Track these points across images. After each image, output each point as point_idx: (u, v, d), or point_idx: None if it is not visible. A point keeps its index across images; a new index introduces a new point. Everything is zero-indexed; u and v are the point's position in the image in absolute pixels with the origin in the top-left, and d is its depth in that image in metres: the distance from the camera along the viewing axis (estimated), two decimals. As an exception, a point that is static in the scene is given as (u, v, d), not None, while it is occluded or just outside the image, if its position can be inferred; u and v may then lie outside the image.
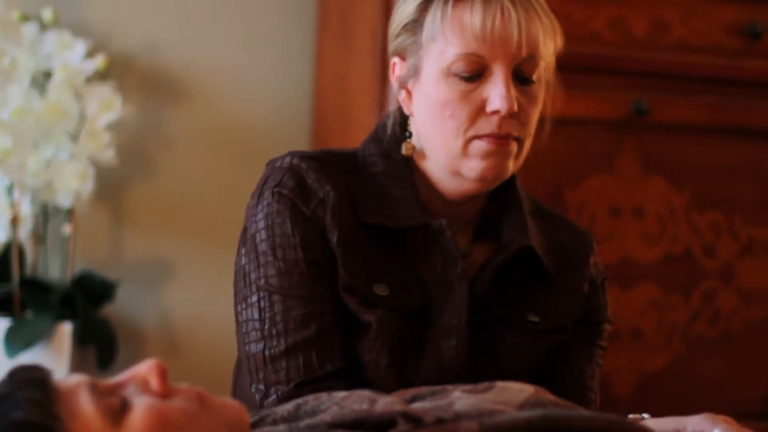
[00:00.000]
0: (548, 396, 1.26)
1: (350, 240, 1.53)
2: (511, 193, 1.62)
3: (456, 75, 1.51)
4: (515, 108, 1.49)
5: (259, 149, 2.98)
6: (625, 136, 2.64)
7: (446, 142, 1.53)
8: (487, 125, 1.51)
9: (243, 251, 1.58)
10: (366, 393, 1.21)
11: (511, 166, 1.54)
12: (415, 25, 1.54)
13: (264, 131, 2.99)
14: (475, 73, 1.50)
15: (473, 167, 1.52)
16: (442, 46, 1.51)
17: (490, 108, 1.50)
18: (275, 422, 1.22)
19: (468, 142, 1.52)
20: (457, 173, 1.54)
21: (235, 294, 1.58)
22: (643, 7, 2.62)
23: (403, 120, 1.61)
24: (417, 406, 1.22)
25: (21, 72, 2.63)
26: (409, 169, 1.58)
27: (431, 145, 1.56)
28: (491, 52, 1.49)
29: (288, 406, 1.24)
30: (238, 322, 1.57)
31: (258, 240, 1.55)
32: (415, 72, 1.55)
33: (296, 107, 3.01)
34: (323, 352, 1.50)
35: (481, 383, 1.28)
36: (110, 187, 2.87)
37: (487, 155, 1.51)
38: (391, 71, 1.61)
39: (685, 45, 2.64)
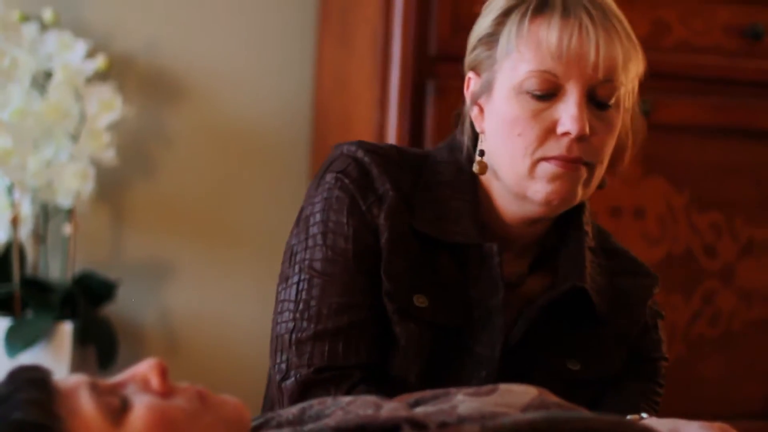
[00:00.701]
0: (552, 398, 1.26)
1: (399, 244, 1.50)
2: (574, 224, 1.57)
3: (528, 93, 1.46)
4: (586, 131, 1.44)
5: (260, 149, 2.98)
6: (625, 136, 2.63)
7: (514, 161, 1.48)
8: (557, 147, 1.45)
9: (295, 231, 1.55)
10: (371, 398, 1.21)
11: (580, 192, 1.48)
12: (491, 39, 1.50)
13: (264, 131, 2.99)
14: (547, 92, 1.45)
15: (539, 190, 1.47)
16: (515, 62, 1.47)
17: (560, 129, 1.45)
18: (280, 425, 1.22)
19: (536, 163, 1.47)
20: (522, 196, 1.49)
21: (280, 273, 1.56)
22: (643, 7, 2.62)
23: (474, 137, 1.56)
24: (420, 410, 1.21)
25: (21, 72, 2.63)
26: (474, 185, 1.53)
27: (499, 164, 1.50)
28: (566, 72, 1.44)
29: (293, 410, 1.23)
30: (276, 302, 1.55)
31: (311, 222, 1.52)
32: (488, 88, 1.51)
33: (297, 107, 3.01)
34: (350, 343, 1.48)
35: (485, 386, 1.28)
36: (110, 187, 2.87)
37: (554, 178, 1.46)
38: (465, 87, 1.55)
39: (686, 45, 2.64)
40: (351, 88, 2.80)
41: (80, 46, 2.68)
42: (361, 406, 1.19)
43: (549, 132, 1.46)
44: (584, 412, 1.26)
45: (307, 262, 1.51)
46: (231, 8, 2.97)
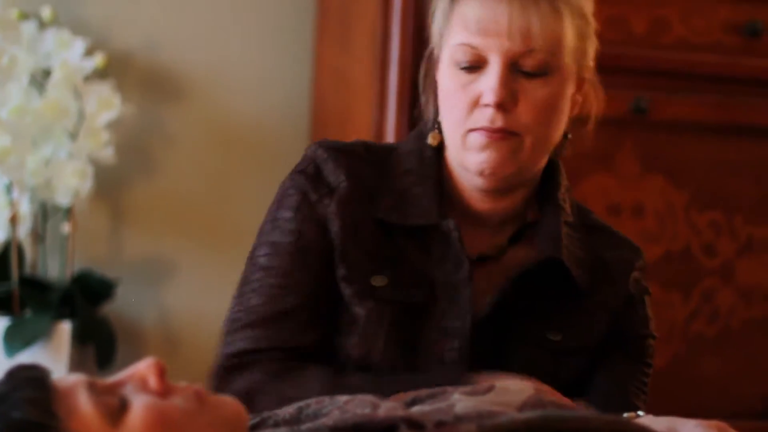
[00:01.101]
0: (548, 396, 1.26)
1: (355, 232, 1.53)
2: (550, 199, 1.59)
3: (457, 65, 1.51)
4: (502, 100, 1.47)
5: (258, 147, 2.98)
6: (624, 134, 2.63)
7: (451, 133, 1.53)
8: (481, 118, 1.49)
9: None
10: (368, 397, 1.21)
11: (514, 162, 1.50)
12: (435, 15, 1.56)
13: (263, 129, 2.99)
14: (472, 65, 1.49)
15: (472, 160, 1.51)
16: (448, 37, 1.52)
17: (482, 100, 1.49)
18: (276, 425, 1.22)
19: (466, 134, 1.51)
20: (463, 167, 1.53)
21: None
22: (642, 5, 2.62)
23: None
24: (417, 409, 1.21)
25: (20, 70, 2.63)
26: (438, 167, 1.57)
27: (445, 136, 1.56)
28: (485, 44, 1.48)
29: (289, 409, 1.24)
30: None
31: (264, 221, 1.58)
32: (437, 62, 1.56)
33: (295, 106, 3.01)
34: (277, 328, 1.51)
35: (481, 384, 1.28)
36: (109, 185, 2.87)
37: (482, 148, 1.50)
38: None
39: (685, 43, 2.64)
40: (350, 86, 2.80)
41: (79, 44, 2.68)
42: (359, 405, 1.19)
43: (475, 103, 1.50)
44: (580, 411, 1.26)
45: (253, 259, 1.57)
46: (230, 6, 2.97)
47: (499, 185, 1.53)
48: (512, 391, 1.26)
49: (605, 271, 1.60)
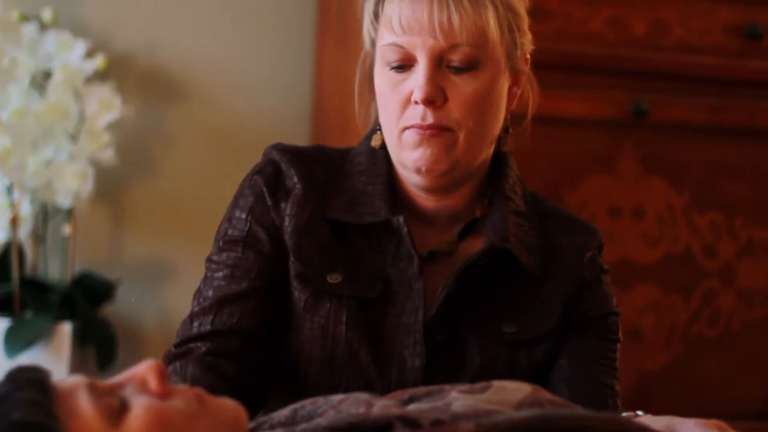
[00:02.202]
0: (546, 395, 1.26)
1: (309, 232, 1.54)
2: (498, 193, 1.59)
3: (388, 65, 1.52)
4: (430, 97, 1.48)
5: (259, 149, 2.96)
6: (624, 136, 2.64)
7: (388, 133, 1.55)
8: (413, 116, 1.50)
9: None
10: (362, 396, 1.21)
11: (449, 157, 1.51)
12: (364, 18, 1.58)
13: (263, 131, 2.99)
14: (402, 64, 1.51)
15: (408, 158, 1.52)
16: (377, 38, 1.54)
17: (413, 98, 1.50)
18: (272, 427, 1.22)
19: (401, 132, 1.52)
20: (402, 165, 1.54)
21: None
22: (642, 7, 2.62)
23: None
24: (413, 407, 1.21)
25: (20, 72, 2.63)
26: (389, 166, 1.58)
27: (384, 136, 1.57)
28: (411, 42, 1.49)
29: (285, 411, 1.23)
30: None
31: (222, 220, 1.60)
32: (373, 62, 1.58)
33: (296, 107, 3.01)
34: (219, 315, 1.53)
35: (478, 383, 1.28)
36: (110, 187, 2.88)
37: (416, 145, 1.50)
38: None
39: (685, 45, 2.65)
40: (350, 87, 2.79)
41: (79, 46, 2.68)
42: (353, 404, 1.19)
43: (407, 102, 1.51)
44: (578, 410, 1.25)
45: (208, 258, 1.59)
46: (230, 8, 2.97)
47: (439, 182, 1.54)
48: (509, 389, 1.25)
49: (557, 256, 1.60)
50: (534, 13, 2.54)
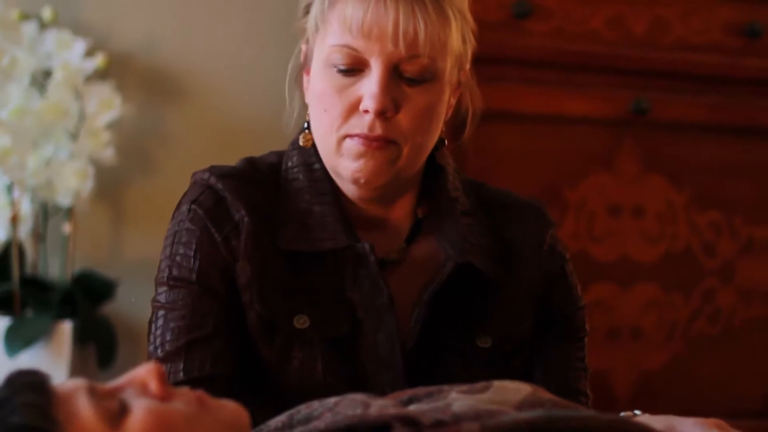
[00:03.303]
0: (546, 395, 1.26)
1: (266, 271, 1.45)
2: (442, 195, 1.52)
3: (334, 67, 1.42)
4: (384, 108, 1.39)
5: (259, 148, 2.97)
6: (624, 134, 2.64)
7: (324, 138, 1.45)
8: (359, 125, 1.41)
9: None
10: (359, 397, 1.20)
11: (390, 170, 1.43)
12: (309, 8, 1.48)
13: (263, 130, 2.99)
14: (352, 67, 1.41)
15: (346, 167, 1.43)
16: (324, 35, 1.43)
17: (362, 107, 1.40)
18: (269, 434, 1.22)
19: (341, 140, 1.43)
20: (337, 173, 1.46)
21: None
22: (642, 5, 2.62)
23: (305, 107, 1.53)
24: (414, 407, 1.21)
25: (20, 71, 2.63)
26: (329, 179, 1.49)
27: (316, 139, 1.48)
28: (367, 47, 1.39)
29: (281, 417, 1.23)
30: None
31: (161, 257, 1.50)
32: (309, 58, 1.48)
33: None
34: (187, 362, 1.43)
35: (478, 383, 1.27)
36: (110, 185, 2.87)
37: (358, 156, 1.42)
38: (301, 55, 1.53)
39: (685, 44, 2.64)
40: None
41: (79, 45, 2.68)
42: (349, 405, 1.18)
43: (353, 108, 1.42)
44: (581, 411, 1.25)
45: (154, 301, 1.49)
46: (230, 7, 2.97)
47: (374, 193, 1.47)
48: (510, 389, 1.25)
49: (514, 253, 1.53)
50: (533, 12, 2.55)
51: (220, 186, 1.49)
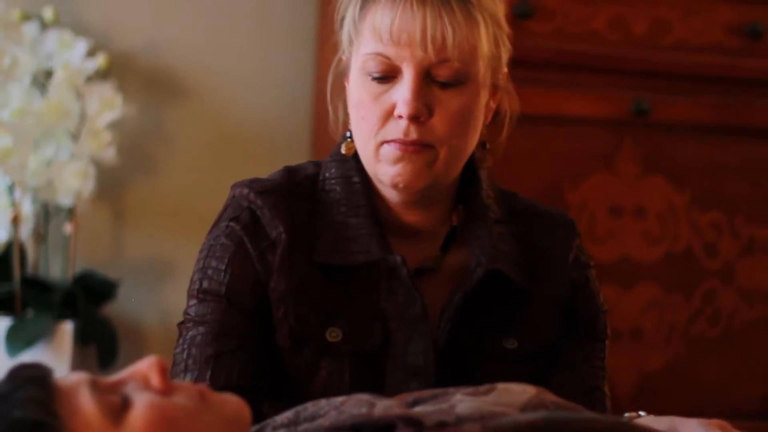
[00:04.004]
0: (550, 397, 1.26)
1: (301, 285, 1.48)
2: (475, 203, 1.54)
3: (369, 75, 1.45)
4: (416, 113, 1.42)
5: (260, 148, 2.98)
6: (625, 135, 2.64)
7: (363, 145, 1.48)
8: (395, 130, 1.44)
9: None
10: (364, 397, 1.20)
11: (428, 173, 1.46)
12: (343, 22, 1.51)
13: (265, 130, 2.99)
14: (385, 75, 1.44)
15: (386, 173, 1.46)
16: (359, 45, 1.47)
17: (396, 112, 1.44)
18: (275, 429, 1.22)
19: (379, 146, 1.46)
20: (378, 179, 1.49)
21: None
22: (643, 6, 2.62)
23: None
24: (419, 409, 1.21)
25: (22, 71, 2.63)
26: (366, 189, 1.51)
27: (357, 147, 1.51)
28: (398, 54, 1.43)
29: (288, 413, 1.23)
30: None
31: (194, 269, 1.53)
32: (348, 69, 1.51)
33: (297, 107, 3.01)
34: (215, 372, 1.46)
35: (482, 385, 1.27)
36: (111, 186, 2.88)
37: (396, 161, 1.45)
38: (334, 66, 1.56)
39: (686, 44, 2.64)
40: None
41: (80, 45, 2.68)
42: (355, 405, 1.18)
43: (388, 114, 1.45)
44: (584, 412, 1.25)
45: (186, 311, 1.51)
46: (231, 8, 2.97)
47: (415, 198, 1.49)
48: (514, 391, 1.25)
49: (544, 261, 1.56)
50: (535, 12, 2.55)
51: (259, 203, 1.51)
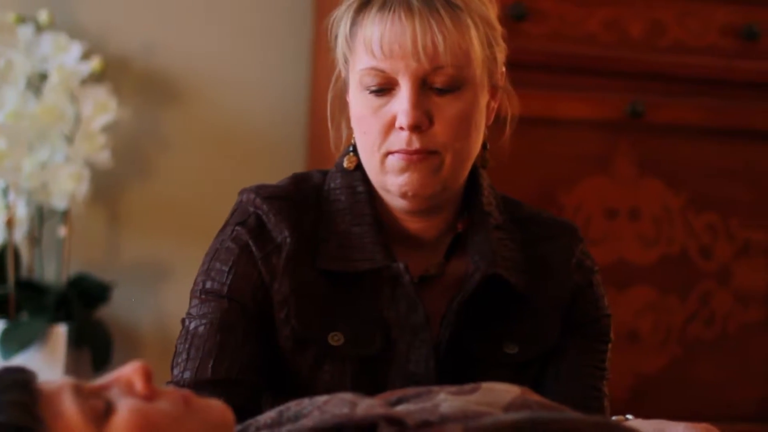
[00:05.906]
0: (534, 397, 1.25)
1: (304, 288, 1.49)
2: (476, 208, 1.56)
3: (367, 89, 1.47)
4: (417, 122, 1.43)
5: (255, 151, 2.98)
6: (620, 137, 2.63)
7: (368, 158, 1.49)
8: (398, 141, 1.45)
9: None
10: (347, 396, 1.20)
11: (436, 180, 1.47)
12: (337, 40, 1.53)
13: (260, 133, 2.99)
14: (382, 87, 1.46)
15: (393, 183, 1.47)
16: (354, 61, 1.49)
17: (397, 123, 1.45)
18: (258, 429, 1.22)
19: (384, 157, 1.47)
20: (385, 189, 1.50)
21: None
22: (638, 7, 2.61)
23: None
24: (402, 408, 1.20)
25: (16, 74, 2.63)
26: (370, 199, 1.53)
27: (362, 160, 1.52)
28: (392, 66, 1.44)
29: (271, 413, 1.23)
30: None
31: (199, 271, 1.54)
32: (347, 85, 1.53)
33: (293, 109, 3.01)
34: (216, 362, 1.47)
35: (467, 384, 1.27)
36: (105, 189, 2.87)
37: (401, 171, 1.46)
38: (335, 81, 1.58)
39: (681, 46, 2.64)
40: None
41: (75, 48, 2.68)
42: (337, 404, 1.18)
43: (390, 126, 1.46)
44: (568, 412, 1.25)
45: (188, 312, 1.52)
46: (226, 10, 2.97)
47: (425, 204, 1.50)
48: (498, 391, 1.25)
49: (545, 267, 1.57)
50: (529, 14, 2.55)
51: (265, 208, 1.52)
